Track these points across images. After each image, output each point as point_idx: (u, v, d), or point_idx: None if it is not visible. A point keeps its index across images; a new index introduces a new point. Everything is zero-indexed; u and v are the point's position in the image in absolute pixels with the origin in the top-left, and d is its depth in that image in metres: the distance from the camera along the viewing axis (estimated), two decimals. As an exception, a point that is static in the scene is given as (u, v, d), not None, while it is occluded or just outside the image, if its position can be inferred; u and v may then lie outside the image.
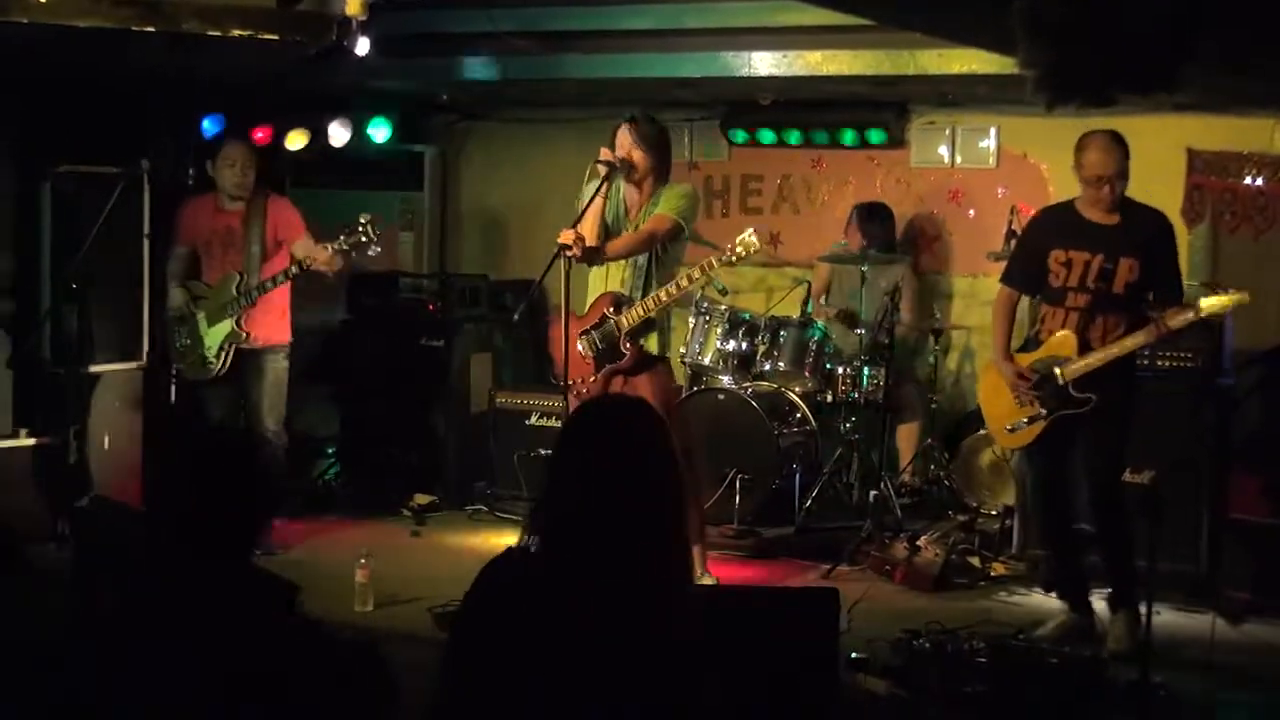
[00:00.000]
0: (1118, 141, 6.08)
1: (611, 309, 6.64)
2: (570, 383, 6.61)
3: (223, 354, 7.64)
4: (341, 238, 7.51)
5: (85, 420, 7.79)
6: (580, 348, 6.70)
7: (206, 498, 3.16)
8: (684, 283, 6.56)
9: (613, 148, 6.62)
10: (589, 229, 6.55)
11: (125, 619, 3.08)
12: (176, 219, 7.89)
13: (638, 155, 6.60)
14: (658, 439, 3.18)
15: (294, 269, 7.57)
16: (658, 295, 6.55)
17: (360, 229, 7.49)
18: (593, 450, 3.15)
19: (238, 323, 7.62)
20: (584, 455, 3.15)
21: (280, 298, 7.75)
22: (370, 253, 7.65)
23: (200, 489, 3.17)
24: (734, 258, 6.47)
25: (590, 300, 6.79)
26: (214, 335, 7.68)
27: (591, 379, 6.69)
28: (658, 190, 6.67)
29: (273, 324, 7.75)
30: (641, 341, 6.65)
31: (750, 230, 6.50)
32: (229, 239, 7.73)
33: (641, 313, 6.57)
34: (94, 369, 7.81)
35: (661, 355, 6.75)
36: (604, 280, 6.74)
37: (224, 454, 3.29)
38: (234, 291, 7.63)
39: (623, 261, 6.66)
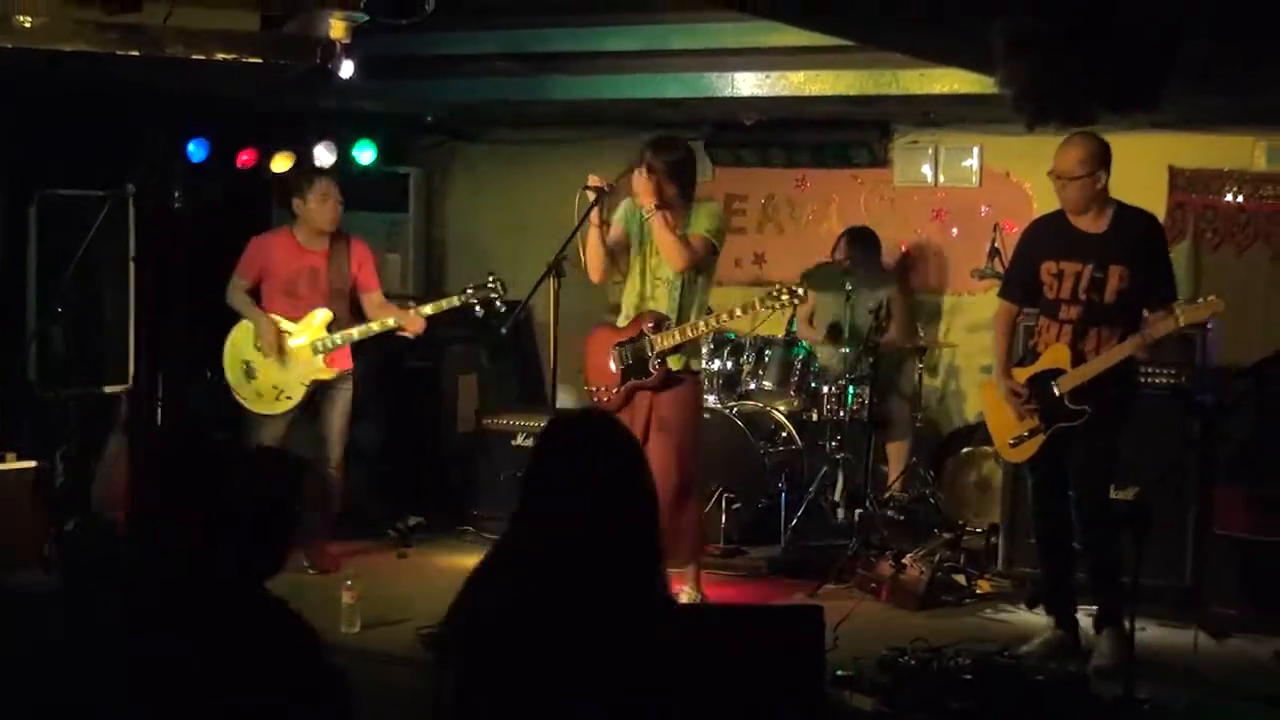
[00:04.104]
0: (1085, 145, 6.05)
1: (650, 326, 6.70)
2: (594, 388, 6.89)
3: (306, 390, 7.58)
4: (470, 289, 7.60)
5: (71, 444, 7.77)
6: (611, 359, 6.81)
7: (218, 516, 3.17)
8: (725, 318, 6.73)
9: (624, 174, 6.75)
10: (593, 255, 6.71)
11: (120, 639, 3.08)
12: (249, 252, 7.75)
13: (668, 190, 6.65)
14: (625, 454, 3.22)
15: (387, 325, 7.61)
16: (695, 324, 6.71)
17: (490, 285, 7.56)
18: (562, 465, 3.18)
19: (325, 362, 7.59)
20: (553, 470, 3.19)
21: None
22: (498, 306, 7.67)
23: (214, 508, 3.18)
24: (777, 305, 6.67)
25: (629, 316, 6.86)
26: (299, 372, 7.58)
27: (615, 389, 6.80)
28: (687, 211, 6.73)
29: (343, 353, 7.70)
30: (670, 363, 6.72)
31: (798, 285, 6.68)
32: (314, 280, 7.63)
33: (678, 338, 6.66)
34: (80, 392, 7.80)
35: (691, 371, 6.82)
36: (641, 302, 6.82)
37: (236, 469, 3.30)
38: (326, 331, 7.57)
39: (662, 287, 6.73)
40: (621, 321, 6.89)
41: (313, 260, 7.68)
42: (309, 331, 7.60)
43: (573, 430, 3.33)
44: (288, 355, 7.59)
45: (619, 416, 6.57)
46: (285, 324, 7.63)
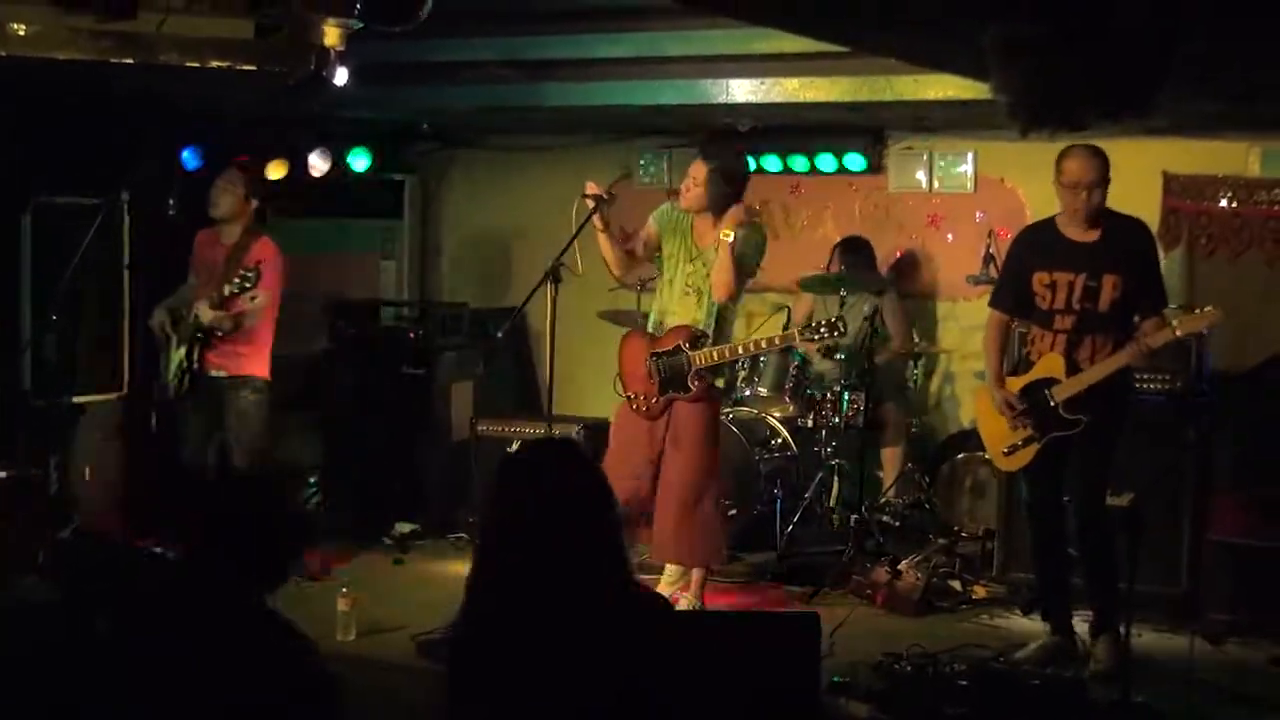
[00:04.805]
0: (1097, 153, 6.11)
1: (686, 344, 6.77)
2: (632, 395, 6.95)
3: (176, 379, 7.52)
4: (237, 279, 7.32)
5: (66, 452, 7.75)
6: (646, 367, 6.87)
7: (228, 537, 3.18)
8: (764, 344, 7.08)
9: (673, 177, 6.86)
10: (610, 257, 6.87)
11: (119, 648, 3.09)
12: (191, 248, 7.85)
13: (695, 193, 6.81)
14: (587, 481, 3.24)
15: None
16: (735, 346, 6.84)
17: (244, 274, 7.28)
18: (522, 496, 3.19)
19: (188, 351, 7.50)
20: (516, 501, 3.19)
21: (251, 330, 7.57)
22: (252, 302, 7.40)
23: (222, 529, 3.19)
24: (816, 338, 6.87)
25: (661, 322, 6.96)
26: (175, 358, 7.58)
27: (655, 399, 6.87)
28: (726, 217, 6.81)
29: (237, 357, 7.56)
30: (710, 378, 6.81)
31: (838, 319, 6.88)
32: (209, 273, 7.62)
33: (716, 358, 6.75)
34: (75, 400, 7.78)
35: (713, 386, 6.91)
36: (670, 313, 6.92)
37: (241, 495, 3.31)
38: (188, 320, 7.54)
39: (693, 300, 6.82)
40: (653, 328, 6.97)
41: (215, 254, 7.66)
42: (185, 323, 7.56)
43: (531, 458, 3.33)
44: (172, 344, 7.59)
45: (653, 425, 6.88)
46: (183, 313, 7.60)
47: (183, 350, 7.53)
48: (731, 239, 6.66)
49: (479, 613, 3.18)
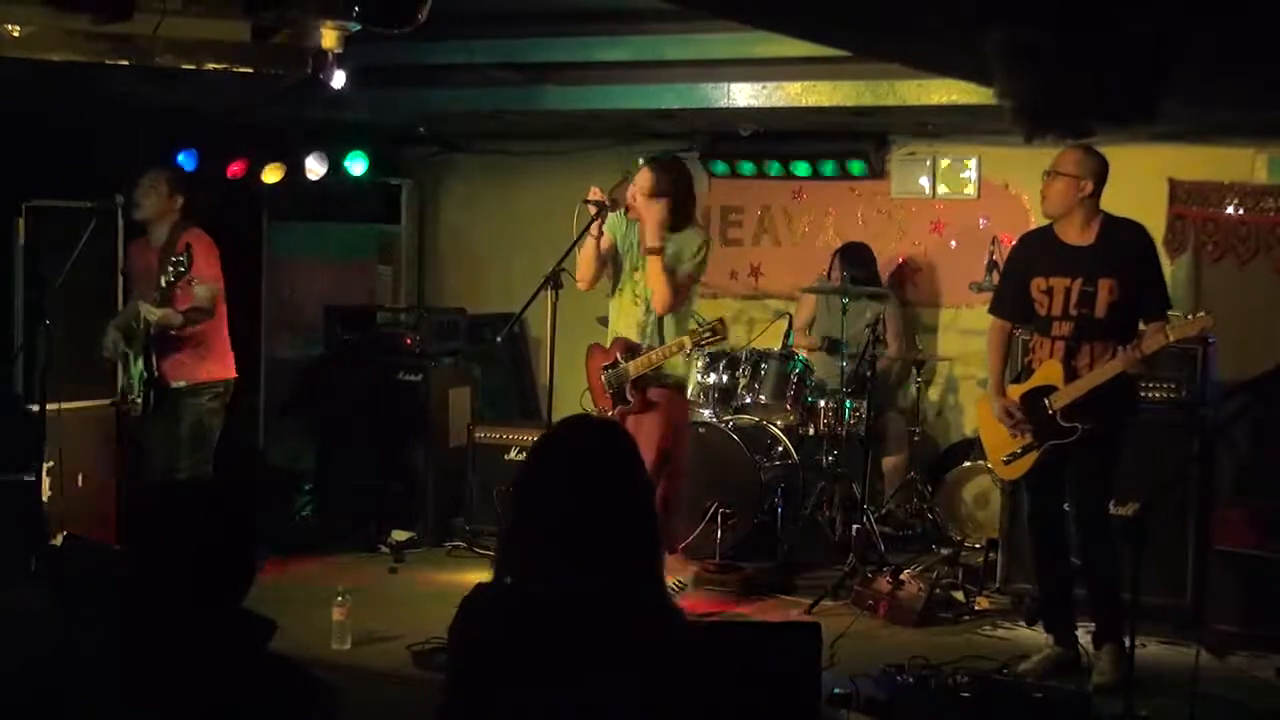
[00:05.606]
0: (1085, 149, 6.07)
1: (622, 355, 6.84)
2: (599, 410, 6.96)
3: (142, 395, 7.36)
4: (170, 267, 7.13)
5: (58, 457, 7.69)
6: (603, 381, 6.93)
7: (195, 546, 3.12)
8: (674, 348, 6.81)
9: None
10: (586, 264, 6.83)
11: (110, 657, 3.04)
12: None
13: (640, 202, 6.79)
14: (623, 458, 3.17)
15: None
16: (649, 356, 6.80)
17: (176, 260, 7.11)
18: (559, 471, 3.14)
19: (147, 361, 7.34)
20: (550, 476, 3.14)
21: (200, 334, 7.44)
22: (191, 285, 7.23)
23: (188, 538, 3.13)
24: (704, 341, 6.75)
25: (610, 337, 7.02)
26: (135, 373, 7.43)
27: (610, 412, 6.91)
28: (670, 234, 6.78)
29: (188, 362, 7.44)
30: (645, 388, 6.84)
31: (718, 319, 6.82)
32: (148, 276, 7.40)
33: (644, 364, 6.78)
34: (67, 406, 7.73)
35: (677, 385, 6.97)
36: (621, 322, 6.96)
37: (207, 502, 3.25)
38: (138, 329, 7.36)
39: (639, 307, 6.85)
40: (608, 341, 7.01)
41: (149, 259, 7.51)
42: (137, 333, 7.39)
43: (568, 435, 3.28)
44: (131, 356, 7.44)
45: None
46: (134, 327, 7.43)
47: (140, 362, 7.36)
48: (658, 246, 6.66)
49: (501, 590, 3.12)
